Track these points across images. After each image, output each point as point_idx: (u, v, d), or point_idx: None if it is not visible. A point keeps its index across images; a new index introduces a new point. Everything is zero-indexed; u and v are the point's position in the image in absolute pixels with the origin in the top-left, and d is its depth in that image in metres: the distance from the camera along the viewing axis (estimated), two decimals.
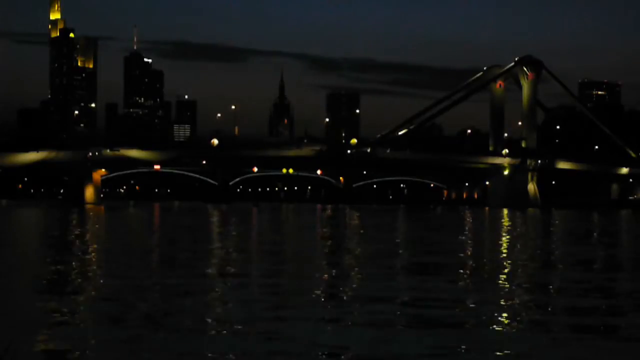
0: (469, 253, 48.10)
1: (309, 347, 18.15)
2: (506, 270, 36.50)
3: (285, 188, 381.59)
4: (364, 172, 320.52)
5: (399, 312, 23.25)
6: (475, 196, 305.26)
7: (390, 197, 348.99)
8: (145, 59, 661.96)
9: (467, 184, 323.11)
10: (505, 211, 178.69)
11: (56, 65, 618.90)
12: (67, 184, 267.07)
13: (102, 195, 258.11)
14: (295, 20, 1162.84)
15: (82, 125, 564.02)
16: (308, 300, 25.55)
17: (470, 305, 24.58)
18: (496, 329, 20.66)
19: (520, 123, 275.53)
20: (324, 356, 17.35)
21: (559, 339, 19.46)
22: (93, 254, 44.98)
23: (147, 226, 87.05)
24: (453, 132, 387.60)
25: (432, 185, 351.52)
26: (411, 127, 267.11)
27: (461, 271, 35.40)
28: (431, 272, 36.05)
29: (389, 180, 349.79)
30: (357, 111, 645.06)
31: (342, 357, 17.36)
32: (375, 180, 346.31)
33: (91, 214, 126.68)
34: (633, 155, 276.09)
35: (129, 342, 18.54)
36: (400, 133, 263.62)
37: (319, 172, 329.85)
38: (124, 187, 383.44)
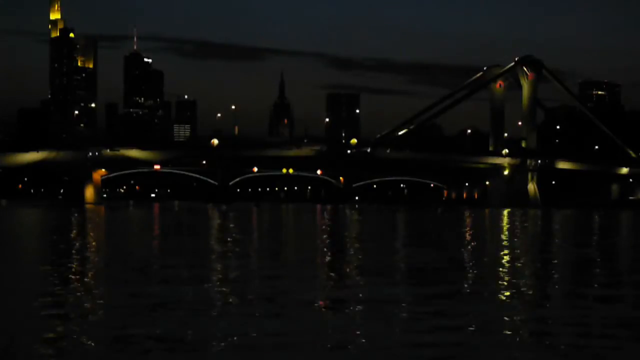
0: (468, 256, 48.08)
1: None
2: (505, 275, 36.47)
3: (285, 188, 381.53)
4: (364, 172, 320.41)
5: (397, 315, 23.24)
6: (475, 196, 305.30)
7: (390, 197, 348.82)
8: (146, 59, 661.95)
9: (467, 184, 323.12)
10: (506, 211, 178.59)
11: (56, 65, 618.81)
12: (67, 184, 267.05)
13: (104, 195, 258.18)
14: (310, 19, 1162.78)
15: (82, 125, 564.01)
16: (307, 306, 25.53)
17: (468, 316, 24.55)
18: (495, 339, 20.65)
19: (520, 123, 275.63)
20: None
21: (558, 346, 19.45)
22: (93, 254, 44.95)
23: (146, 227, 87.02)
24: (453, 132, 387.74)
25: (432, 185, 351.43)
26: (411, 127, 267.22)
27: (459, 275, 35.38)
28: (429, 276, 35.98)
29: (389, 180, 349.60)
30: (357, 111, 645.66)
31: None
32: (375, 180, 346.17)
33: (90, 214, 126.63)
34: (633, 155, 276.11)
35: (128, 342, 18.53)
36: (400, 133, 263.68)
37: (319, 172, 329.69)
38: (124, 187, 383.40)
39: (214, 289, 28.33)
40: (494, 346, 18.34)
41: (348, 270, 35.69)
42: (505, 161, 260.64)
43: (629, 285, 31.71)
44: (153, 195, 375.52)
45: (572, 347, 18.40)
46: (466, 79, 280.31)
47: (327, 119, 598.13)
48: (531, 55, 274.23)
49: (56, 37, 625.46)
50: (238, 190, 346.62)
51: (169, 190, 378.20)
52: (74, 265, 36.79)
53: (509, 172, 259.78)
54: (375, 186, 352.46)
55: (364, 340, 18.88)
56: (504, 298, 26.61)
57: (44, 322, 20.98)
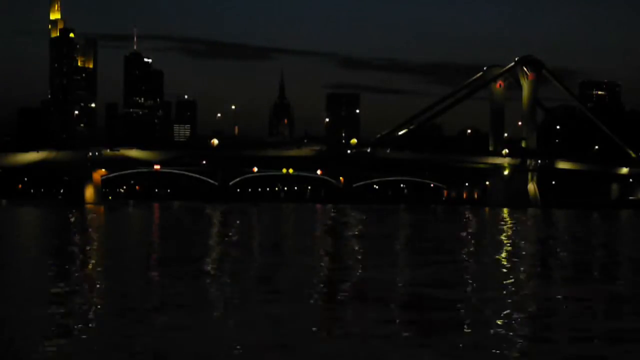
0: (469, 257, 48.14)
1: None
2: (505, 276, 36.53)
3: (285, 188, 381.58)
4: (364, 172, 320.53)
5: (397, 318, 23.26)
6: (475, 196, 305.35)
7: (390, 197, 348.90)
8: (145, 59, 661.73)
9: (467, 184, 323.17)
10: (506, 211, 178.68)
11: (56, 65, 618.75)
12: (67, 184, 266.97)
13: (107, 195, 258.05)
14: (318, 19, 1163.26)
15: (82, 125, 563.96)
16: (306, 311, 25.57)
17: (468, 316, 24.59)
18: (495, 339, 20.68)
19: (520, 123, 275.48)
20: None
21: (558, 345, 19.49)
22: (93, 254, 44.99)
23: (146, 227, 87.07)
24: (453, 132, 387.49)
25: (432, 185, 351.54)
26: (411, 127, 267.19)
27: (460, 277, 35.42)
28: (428, 276, 36.01)
29: (389, 180, 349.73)
30: (357, 111, 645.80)
31: None
32: (375, 180, 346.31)
33: (90, 214, 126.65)
34: (633, 155, 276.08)
35: (128, 342, 18.55)
36: (400, 133, 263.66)
37: (319, 172, 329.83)
38: (124, 187, 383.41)
39: (210, 290, 28.38)
40: (493, 347, 18.38)
41: (347, 271, 35.72)
42: (505, 161, 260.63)
43: (631, 288, 31.74)
44: (153, 195, 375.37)
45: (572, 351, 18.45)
46: (466, 79, 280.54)
47: (327, 119, 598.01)
48: (531, 55, 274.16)
49: (56, 37, 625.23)
50: (238, 190, 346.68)
51: (169, 190, 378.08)
52: (73, 267, 36.82)
53: (509, 172, 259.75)
54: (375, 186, 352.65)
55: (362, 340, 18.91)
56: (503, 300, 26.65)
57: (42, 323, 21.01)
